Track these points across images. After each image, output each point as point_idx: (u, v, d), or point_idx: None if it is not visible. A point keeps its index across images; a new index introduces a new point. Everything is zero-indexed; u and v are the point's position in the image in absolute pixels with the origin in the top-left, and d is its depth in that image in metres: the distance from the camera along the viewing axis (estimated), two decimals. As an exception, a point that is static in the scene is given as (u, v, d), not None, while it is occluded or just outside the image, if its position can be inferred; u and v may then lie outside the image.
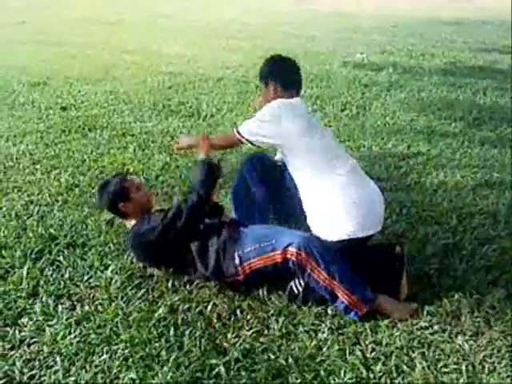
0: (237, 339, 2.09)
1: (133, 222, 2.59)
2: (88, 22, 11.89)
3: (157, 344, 2.06)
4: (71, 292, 2.38)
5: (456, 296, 2.38)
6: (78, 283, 2.44)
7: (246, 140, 2.48)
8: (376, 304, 2.22)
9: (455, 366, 1.98)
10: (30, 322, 2.18)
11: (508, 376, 1.95)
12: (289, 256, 2.19)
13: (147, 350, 2.03)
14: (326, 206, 2.33)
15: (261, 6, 15.84)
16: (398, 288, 2.36)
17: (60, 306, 2.27)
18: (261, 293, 2.37)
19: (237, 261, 2.31)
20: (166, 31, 10.89)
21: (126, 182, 2.57)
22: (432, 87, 6.42)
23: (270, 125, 2.40)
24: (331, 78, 6.80)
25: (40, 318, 2.20)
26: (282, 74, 2.53)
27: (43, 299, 2.31)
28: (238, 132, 2.50)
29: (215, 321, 2.20)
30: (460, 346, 2.10)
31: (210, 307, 2.27)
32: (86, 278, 2.48)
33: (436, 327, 2.19)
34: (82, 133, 4.57)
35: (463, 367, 1.97)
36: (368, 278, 2.28)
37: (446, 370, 1.97)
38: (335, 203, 2.32)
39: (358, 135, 4.63)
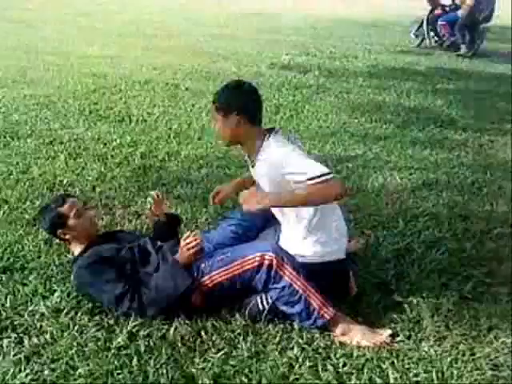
0: (205, 364, 1.99)
1: (77, 249, 2.42)
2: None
3: (120, 376, 1.91)
4: (15, 323, 2.15)
5: (414, 301, 2.42)
6: (22, 312, 2.22)
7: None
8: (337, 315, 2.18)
9: (425, 375, 1.99)
10: (-28, 362, 1.96)
11: (475, 380, 1.99)
12: (267, 261, 2.11)
13: (109, 383, 1.88)
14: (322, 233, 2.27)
15: (178, 5, 15.54)
16: (346, 287, 2.41)
17: (5, 340, 2.05)
18: (223, 311, 2.27)
19: (195, 274, 2.20)
20: (84, 30, 10.39)
21: (63, 208, 2.38)
22: (358, 89, 6.59)
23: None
24: (260, 80, 6.78)
25: (-17, 356, 1.98)
26: (251, 104, 2.25)
27: (-16, 333, 2.09)
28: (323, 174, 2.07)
29: (180, 345, 2.08)
30: (426, 352, 2.12)
31: (172, 331, 2.14)
32: (30, 305, 2.26)
33: (401, 335, 2.21)
34: (3, 142, 4.22)
35: (433, 375, 1.99)
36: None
37: (418, 379, 1.98)
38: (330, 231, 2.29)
39: (295, 139, 4.63)
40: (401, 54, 9.36)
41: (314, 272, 2.19)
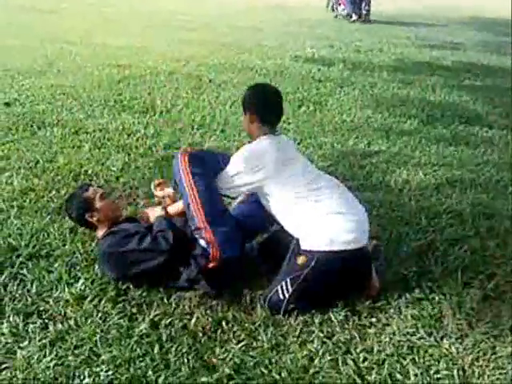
0: (226, 354, 2.01)
1: (101, 232, 2.48)
2: (22, 10, 11.25)
3: (142, 363, 1.94)
4: (41, 309, 2.21)
5: (436, 298, 2.41)
6: (47, 299, 2.27)
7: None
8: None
9: (447, 372, 1.99)
10: (-1, 345, 2.01)
11: (497, 379, 1.98)
12: None
13: (132, 370, 1.91)
14: (325, 224, 2.28)
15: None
16: (368, 284, 2.40)
17: (30, 326, 2.10)
18: (244, 301, 2.30)
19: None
20: (110, 21, 10.48)
21: (88, 192, 2.51)
22: (383, 83, 6.52)
23: (247, 174, 2.32)
24: (284, 73, 6.76)
25: (9, 340, 2.02)
26: (261, 106, 2.41)
27: (11, 318, 2.13)
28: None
29: (201, 335, 2.11)
30: (447, 349, 2.11)
31: (193, 320, 2.17)
32: (54, 292, 2.31)
33: (422, 331, 2.20)
34: (30, 131, 4.28)
35: (455, 372, 1.99)
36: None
37: (439, 375, 1.98)
38: (335, 221, 2.29)
39: (318, 132, 4.62)
40: (426, 48, 9.24)
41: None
